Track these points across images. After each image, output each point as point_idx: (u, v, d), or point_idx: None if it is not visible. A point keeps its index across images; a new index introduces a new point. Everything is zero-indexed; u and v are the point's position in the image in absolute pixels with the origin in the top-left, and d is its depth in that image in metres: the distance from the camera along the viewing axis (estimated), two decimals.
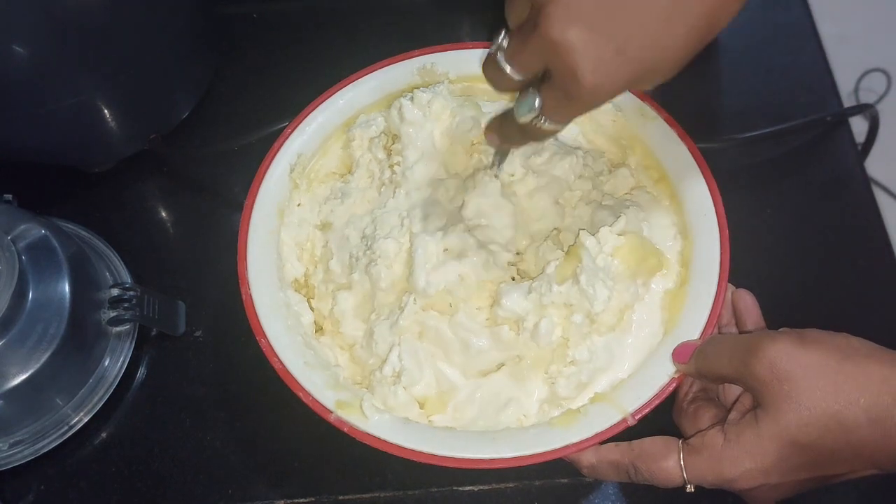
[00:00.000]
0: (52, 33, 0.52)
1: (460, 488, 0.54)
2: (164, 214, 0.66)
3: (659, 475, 0.42)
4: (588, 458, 0.44)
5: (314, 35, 0.73)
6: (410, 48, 0.57)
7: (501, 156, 0.51)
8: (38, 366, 0.51)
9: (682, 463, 0.41)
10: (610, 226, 0.49)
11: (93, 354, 0.55)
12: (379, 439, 0.44)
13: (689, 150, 0.53)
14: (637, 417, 0.44)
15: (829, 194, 0.65)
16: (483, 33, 0.74)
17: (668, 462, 0.42)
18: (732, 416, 0.42)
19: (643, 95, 0.55)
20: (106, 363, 0.56)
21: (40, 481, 0.54)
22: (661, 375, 0.46)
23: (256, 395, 0.56)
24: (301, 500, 0.54)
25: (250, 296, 0.49)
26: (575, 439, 0.44)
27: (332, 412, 0.45)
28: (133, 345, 0.57)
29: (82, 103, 0.58)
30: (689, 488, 0.42)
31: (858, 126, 0.68)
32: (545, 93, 0.39)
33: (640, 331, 0.49)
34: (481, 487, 0.54)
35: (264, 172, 0.53)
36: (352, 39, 0.72)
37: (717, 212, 0.50)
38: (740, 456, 0.40)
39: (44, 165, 0.65)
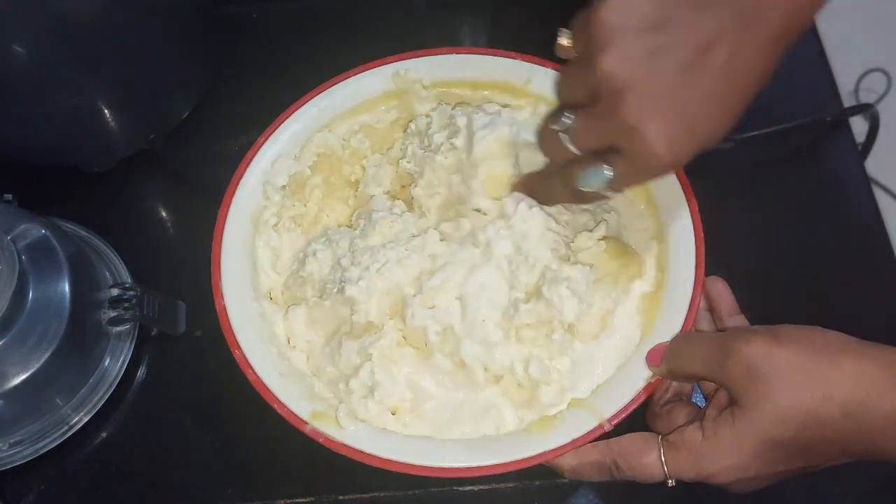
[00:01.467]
0: (52, 33, 0.52)
1: (460, 488, 0.54)
2: (164, 214, 0.66)
3: (640, 471, 0.43)
4: (568, 462, 0.45)
5: (315, 35, 0.73)
6: (411, 48, 0.57)
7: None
8: (38, 366, 0.51)
9: (662, 459, 0.42)
10: (590, 230, 0.50)
11: (93, 354, 0.55)
12: (355, 450, 0.44)
13: None
14: (613, 423, 0.44)
15: (829, 194, 0.65)
16: (483, 34, 0.74)
17: (648, 458, 0.43)
18: (710, 412, 0.42)
19: None
20: (106, 363, 0.56)
21: (40, 481, 0.54)
22: (637, 380, 0.46)
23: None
24: (301, 500, 0.54)
25: (224, 307, 0.49)
26: (552, 446, 0.44)
27: (307, 423, 0.45)
28: (133, 345, 0.57)
29: (82, 103, 0.58)
30: (670, 483, 0.42)
31: (858, 126, 0.68)
32: (618, 167, 0.41)
33: (618, 335, 0.49)
34: (481, 487, 0.54)
35: (237, 183, 0.53)
36: (352, 39, 0.72)
37: (692, 215, 0.51)
38: (718, 453, 0.41)
39: (44, 165, 0.65)
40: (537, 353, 0.47)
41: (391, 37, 0.67)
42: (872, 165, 0.67)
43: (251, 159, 0.54)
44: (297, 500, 0.54)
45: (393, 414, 0.48)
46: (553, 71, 0.55)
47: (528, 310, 0.47)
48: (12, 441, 0.53)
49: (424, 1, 0.75)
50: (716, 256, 0.50)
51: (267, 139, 0.55)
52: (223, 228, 0.52)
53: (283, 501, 0.54)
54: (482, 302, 0.48)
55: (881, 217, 0.63)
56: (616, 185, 0.42)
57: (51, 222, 0.55)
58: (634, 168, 0.40)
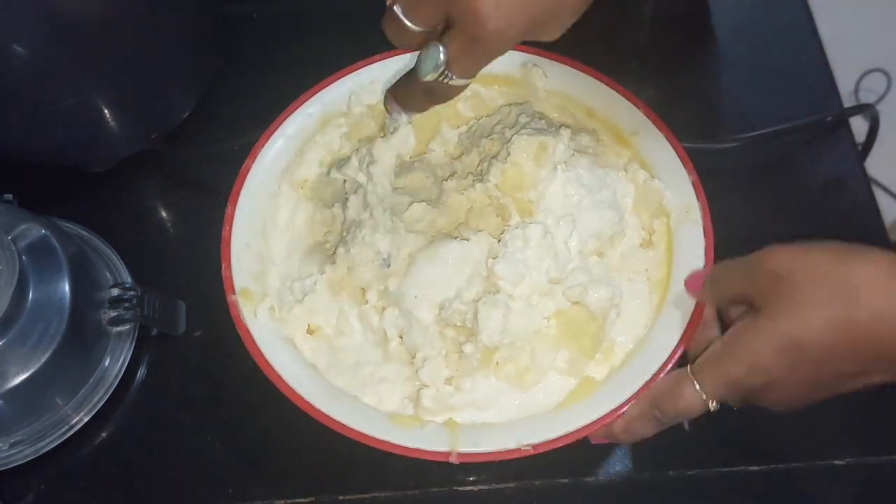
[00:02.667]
0: (52, 33, 0.52)
1: (460, 488, 0.53)
2: (164, 214, 0.66)
3: (681, 404, 0.43)
4: (619, 425, 0.46)
5: (315, 35, 0.73)
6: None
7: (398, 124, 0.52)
8: (38, 366, 0.51)
9: (695, 384, 0.42)
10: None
11: (93, 354, 0.55)
12: (254, 345, 0.48)
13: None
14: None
15: (829, 194, 0.65)
16: None
17: (684, 389, 0.43)
18: (731, 328, 0.43)
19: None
20: (106, 363, 0.56)
21: (40, 481, 0.54)
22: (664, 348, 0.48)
23: (256, 396, 0.56)
24: (300, 500, 0.54)
25: (235, 302, 0.50)
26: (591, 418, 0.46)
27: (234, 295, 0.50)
28: (133, 345, 0.57)
29: (82, 103, 0.58)
30: (712, 406, 0.42)
31: (858, 126, 0.68)
32: (449, 42, 0.39)
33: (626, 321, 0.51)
34: (481, 487, 0.54)
35: (245, 174, 0.55)
36: (353, 39, 0.71)
37: (703, 218, 0.52)
38: (739, 354, 0.41)
39: (44, 165, 0.65)
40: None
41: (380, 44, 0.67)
42: (872, 165, 0.67)
43: (256, 154, 0.56)
44: (296, 500, 0.54)
45: (309, 333, 0.51)
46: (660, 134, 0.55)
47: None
48: (12, 441, 0.53)
49: None
50: (715, 256, 0.51)
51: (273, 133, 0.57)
52: (231, 225, 0.53)
53: (282, 501, 0.54)
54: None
55: (881, 217, 0.63)
56: (455, 67, 0.40)
57: (51, 222, 0.55)
58: (464, 40, 0.38)
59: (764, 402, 0.42)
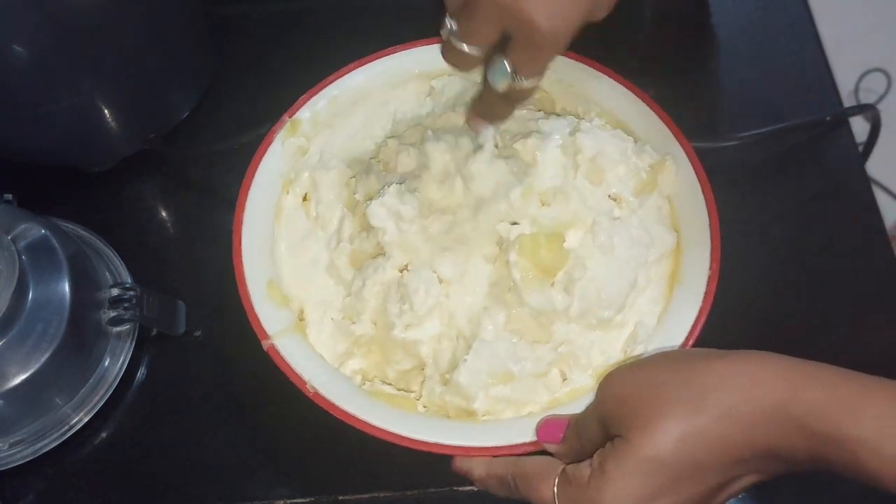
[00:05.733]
0: (52, 33, 0.52)
1: (460, 488, 0.53)
2: (163, 214, 0.66)
3: (533, 496, 0.42)
4: (477, 471, 0.45)
5: (315, 35, 0.73)
6: None
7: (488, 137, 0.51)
8: (38, 366, 0.51)
9: (555, 490, 0.41)
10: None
11: (93, 354, 0.55)
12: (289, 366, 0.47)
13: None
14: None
15: (829, 194, 0.65)
16: None
17: (543, 486, 0.41)
18: (602, 449, 0.41)
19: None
20: (106, 363, 0.56)
21: (40, 481, 0.54)
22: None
23: (256, 396, 0.56)
24: (300, 500, 0.54)
25: (248, 292, 0.49)
26: (471, 444, 0.45)
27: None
28: (133, 345, 0.57)
29: (82, 103, 0.58)
30: None
31: (858, 126, 0.68)
32: (511, 53, 0.41)
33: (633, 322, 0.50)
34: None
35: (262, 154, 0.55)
36: (353, 39, 0.72)
37: (707, 203, 0.51)
38: (606, 485, 0.38)
39: (44, 165, 0.65)
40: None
41: (394, 35, 0.67)
42: (873, 165, 0.67)
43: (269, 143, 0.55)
44: (296, 500, 0.54)
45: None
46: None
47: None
48: (12, 441, 0.53)
49: None
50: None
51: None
52: (242, 215, 0.52)
53: (282, 502, 0.54)
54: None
55: (881, 217, 0.63)
56: (522, 72, 0.41)
57: (51, 222, 0.55)
58: (524, 47, 0.40)
59: None
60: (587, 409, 0.43)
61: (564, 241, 0.49)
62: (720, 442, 0.37)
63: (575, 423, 0.43)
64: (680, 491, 0.38)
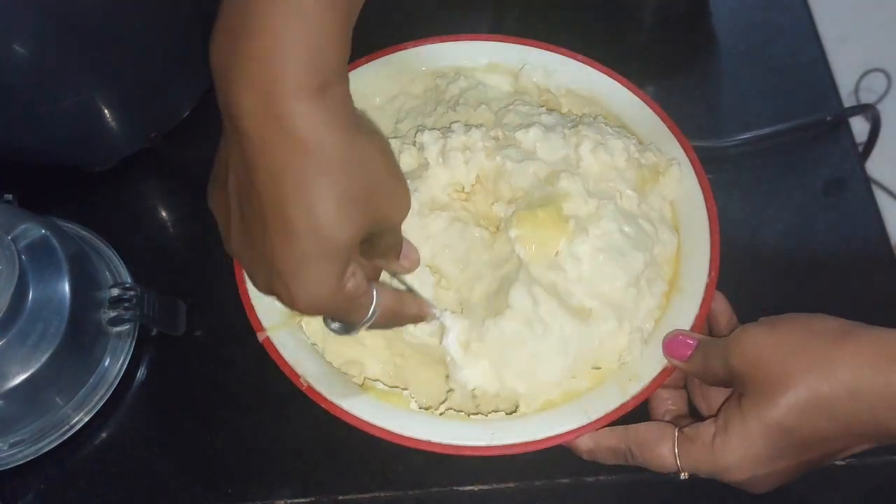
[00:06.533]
0: (52, 33, 0.52)
1: (460, 488, 0.53)
2: (164, 214, 0.66)
3: (653, 461, 0.43)
4: (586, 444, 0.45)
5: None
6: None
7: None
8: (38, 366, 0.51)
9: (676, 451, 0.42)
10: None
11: (93, 354, 0.55)
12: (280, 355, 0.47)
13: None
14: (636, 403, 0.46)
15: (829, 194, 0.65)
16: (486, 26, 0.74)
17: (662, 449, 0.43)
18: (724, 406, 0.42)
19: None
20: (106, 363, 0.56)
21: (40, 481, 0.54)
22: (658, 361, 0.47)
23: (256, 395, 0.56)
24: (300, 500, 0.54)
25: (246, 285, 0.50)
26: (573, 426, 0.45)
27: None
28: (133, 345, 0.57)
29: (82, 103, 0.58)
30: (683, 475, 0.43)
31: (858, 126, 0.68)
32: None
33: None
34: (482, 487, 0.54)
35: None
36: (355, 37, 0.71)
37: (708, 210, 0.52)
38: (730, 445, 0.40)
39: (44, 165, 0.65)
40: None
41: (395, 34, 0.67)
42: (873, 166, 0.67)
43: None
44: (297, 500, 0.54)
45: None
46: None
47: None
48: (12, 441, 0.53)
49: None
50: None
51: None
52: None
53: (282, 502, 0.54)
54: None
55: (881, 217, 0.63)
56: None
57: (51, 222, 0.55)
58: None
59: (746, 486, 0.42)
60: (718, 345, 0.44)
61: (562, 209, 0.49)
62: (845, 417, 0.38)
63: (704, 352, 0.44)
64: (800, 455, 0.40)
